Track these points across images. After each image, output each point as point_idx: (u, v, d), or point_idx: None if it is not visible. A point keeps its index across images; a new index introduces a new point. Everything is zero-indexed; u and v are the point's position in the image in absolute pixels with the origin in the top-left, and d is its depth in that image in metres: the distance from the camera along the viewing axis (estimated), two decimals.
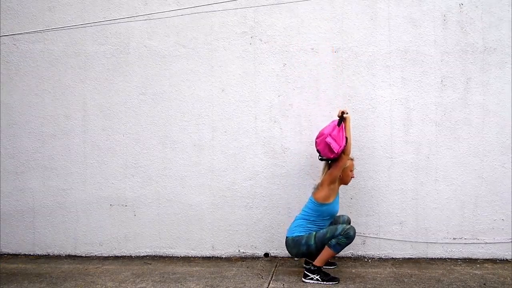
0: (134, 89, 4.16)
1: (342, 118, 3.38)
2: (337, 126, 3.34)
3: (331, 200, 3.35)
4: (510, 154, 3.85)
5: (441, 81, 3.90)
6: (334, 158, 3.34)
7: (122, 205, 4.19)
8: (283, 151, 4.03)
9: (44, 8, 4.23)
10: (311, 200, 3.41)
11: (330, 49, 3.95)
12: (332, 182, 3.35)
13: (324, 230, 3.32)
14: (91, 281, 3.48)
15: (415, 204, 3.93)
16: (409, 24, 3.91)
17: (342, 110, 3.40)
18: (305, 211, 3.42)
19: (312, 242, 3.30)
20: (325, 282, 3.29)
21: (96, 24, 4.12)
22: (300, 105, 4.00)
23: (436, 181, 3.91)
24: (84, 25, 4.14)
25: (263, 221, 4.07)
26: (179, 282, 3.43)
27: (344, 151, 3.32)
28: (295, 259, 3.43)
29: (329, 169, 3.40)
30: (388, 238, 3.96)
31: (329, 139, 3.29)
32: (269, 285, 3.32)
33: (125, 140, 4.18)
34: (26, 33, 4.14)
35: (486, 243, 3.89)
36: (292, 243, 3.36)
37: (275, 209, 4.05)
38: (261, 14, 4.03)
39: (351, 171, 3.49)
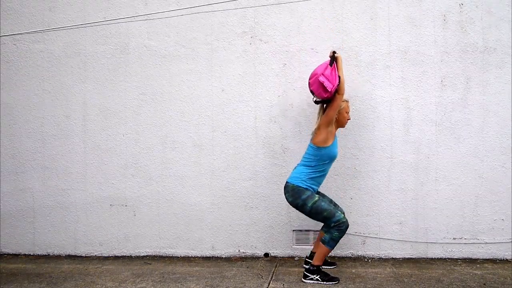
0: (134, 89, 4.16)
1: (333, 58, 3.36)
2: (329, 66, 3.32)
3: (329, 143, 3.35)
4: (510, 154, 3.85)
5: (441, 81, 3.90)
6: (329, 98, 3.33)
7: (122, 205, 4.19)
8: (283, 151, 4.03)
9: (44, 8, 4.23)
10: (310, 145, 3.41)
11: (330, 49, 3.95)
12: (329, 123, 3.34)
13: (324, 205, 3.29)
14: (91, 281, 3.48)
15: (415, 204, 3.93)
16: (409, 24, 3.91)
17: (333, 50, 3.39)
18: (305, 157, 3.41)
19: (309, 205, 3.28)
20: (325, 282, 3.29)
21: (96, 24, 4.12)
22: (300, 105, 4.00)
23: (436, 181, 3.91)
24: (84, 25, 4.14)
25: (263, 221, 4.07)
26: (179, 282, 3.43)
27: (338, 91, 3.31)
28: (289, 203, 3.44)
29: (324, 112, 3.39)
30: (388, 238, 3.96)
31: (322, 78, 3.26)
32: (269, 285, 3.33)
33: (125, 140, 4.18)
34: (26, 33, 4.14)
35: (486, 243, 3.89)
36: (291, 191, 3.34)
37: (275, 209, 4.05)
38: (261, 14, 4.03)
39: (347, 112, 3.50)
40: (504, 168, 3.86)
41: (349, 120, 3.56)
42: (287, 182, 3.40)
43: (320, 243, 3.35)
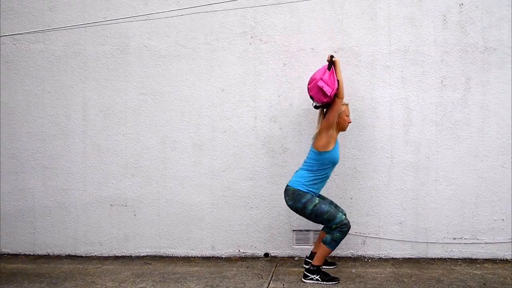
0: (134, 89, 4.16)
1: (331, 62, 3.36)
2: (327, 70, 3.33)
3: (331, 148, 3.35)
4: (510, 154, 3.85)
5: (441, 81, 3.90)
6: (328, 102, 3.34)
7: (122, 205, 4.19)
8: (283, 151, 4.03)
9: (44, 8, 4.23)
10: (311, 150, 3.41)
11: (330, 49, 3.95)
12: (329, 127, 3.35)
13: (325, 207, 3.29)
14: (91, 281, 3.48)
15: (415, 204, 3.93)
16: (409, 24, 3.91)
17: (330, 54, 3.40)
18: (307, 162, 3.42)
19: (310, 208, 3.29)
20: (325, 282, 3.29)
21: (96, 24, 4.12)
22: (300, 105, 4.00)
23: (436, 181, 3.91)
24: (84, 25, 4.14)
25: (263, 221, 4.07)
26: (179, 282, 3.43)
27: (338, 94, 3.32)
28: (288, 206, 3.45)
29: (324, 116, 3.41)
30: (388, 238, 3.96)
31: (321, 83, 3.28)
32: (269, 285, 3.33)
33: (125, 140, 4.18)
34: (26, 33, 4.14)
35: (486, 243, 3.89)
36: (291, 194, 3.34)
37: (275, 209, 4.05)
38: (261, 14, 4.03)
39: (347, 115, 3.50)
40: (504, 168, 3.86)
41: (349, 124, 3.56)
42: (287, 185, 3.40)
43: (321, 243, 3.35)
